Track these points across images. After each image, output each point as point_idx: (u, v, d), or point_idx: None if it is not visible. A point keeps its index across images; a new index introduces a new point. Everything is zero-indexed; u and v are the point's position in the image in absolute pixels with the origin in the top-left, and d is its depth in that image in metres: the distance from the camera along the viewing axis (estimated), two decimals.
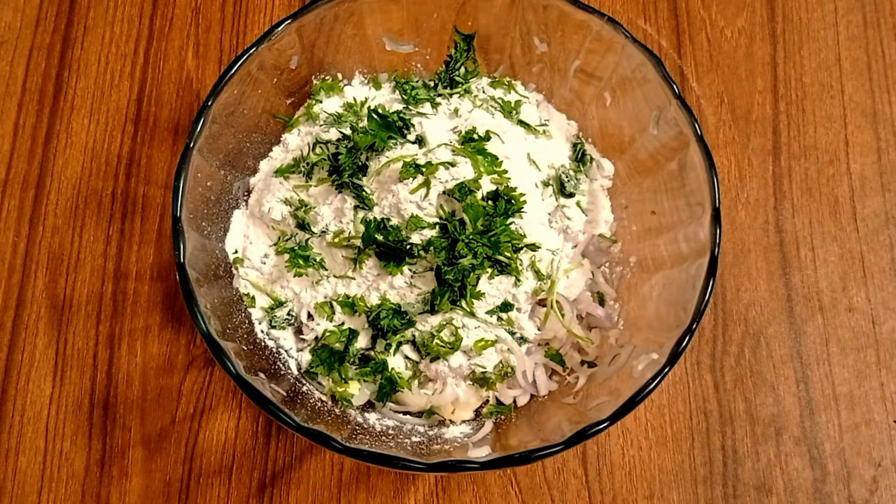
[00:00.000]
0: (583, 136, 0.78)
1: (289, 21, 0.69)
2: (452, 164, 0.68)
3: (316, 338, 0.70)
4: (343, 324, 0.69)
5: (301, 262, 0.70)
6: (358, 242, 0.68)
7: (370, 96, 0.78)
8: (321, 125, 0.76)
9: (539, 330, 0.70)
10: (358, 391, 0.69)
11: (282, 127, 0.77)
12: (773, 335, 0.78)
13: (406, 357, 0.69)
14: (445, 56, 0.77)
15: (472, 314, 0.68)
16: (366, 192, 0.69)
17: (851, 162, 0.84)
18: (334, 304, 0.69)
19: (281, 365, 0.70)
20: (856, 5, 0.90)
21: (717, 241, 0.63)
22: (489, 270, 0.67)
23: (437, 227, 0.67)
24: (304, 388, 0.69)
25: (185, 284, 0.61)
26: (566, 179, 0.74)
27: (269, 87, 0.73)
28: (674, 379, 0.76)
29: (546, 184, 0.74)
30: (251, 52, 0.68)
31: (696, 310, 0.61)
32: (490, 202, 0.68)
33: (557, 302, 0.70)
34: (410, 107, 0.75)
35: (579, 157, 0.76)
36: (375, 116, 0.70)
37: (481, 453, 0.63)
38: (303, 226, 0.71)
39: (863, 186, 0.84)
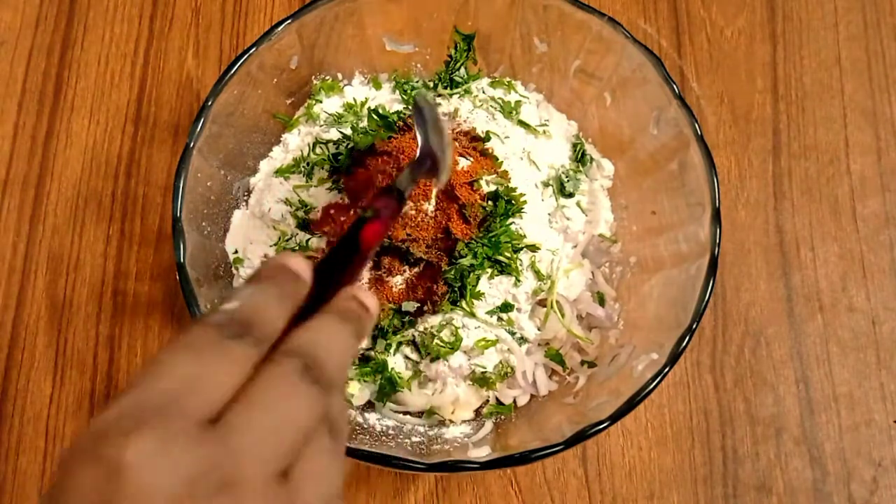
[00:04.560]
0: (583, 136, 0.78)
1: (289, 21, 0.69)
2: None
3: None
4: None
5: None
6: None
7: (370, 96, 0.78)
8: (321, 125, 0.76)
9: (539, 330, 0.70)
10: (358, 391, 0.69)
11: (282, 127, 0.77)
12: (773, 335, 0.78)
13: (406, 357, 0.69)
14: (445, 56, 0.77)
15: (473, 314, 0.68)
16: None
17: (851, 162, 0.85)
18: None
19: None
20: (856, 5, 0.90)
21: (717, 241, 0.63)
22: (489, 271, 0.67)
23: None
24: None
25: (185, 284, 0.61)
26: (566, 179, 0.74)
27: (269, 87, 0.73)
28: (674, 379, 0.76)
29: (546, 184, 0.74)
30: (251, 52, 0.68)
31: (696, 310, 0.61)
32: (490, 202, 0.68)
33: (557, 302, 0.70)
34: (410, 107, 0.75)
35: (579, 157, 0.76)
36: (375, 116, 0.70)
37: (481, 453, 0.63)
38: (303, 226, 0.71)
39: (863, 186, 0.84)
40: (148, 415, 0.30)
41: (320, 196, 0.71)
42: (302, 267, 0.38)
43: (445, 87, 0.76)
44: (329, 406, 0.34)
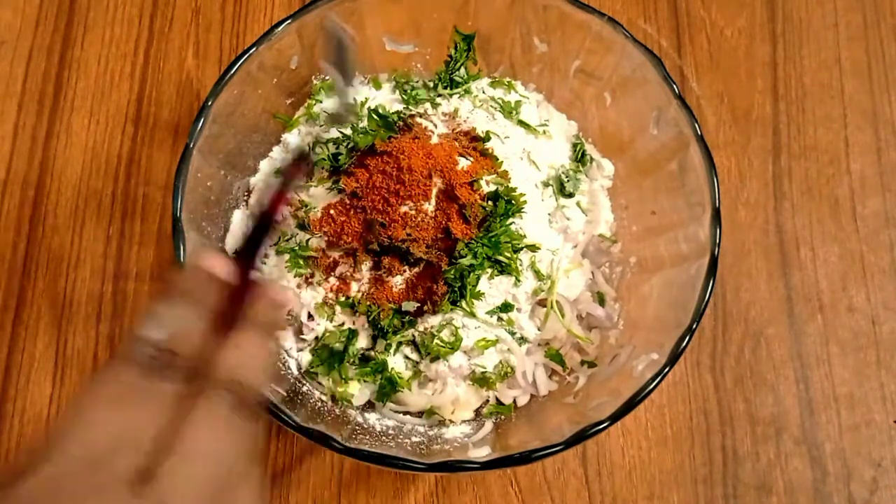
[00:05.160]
0: (583, 136, 0.78)
1: (289, 21, 0.69)
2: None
3: (316, 338, 0.70)
4: (343, 324, 0.69)
5: (301, 262, 0.70)
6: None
7: (370, 96, 0.78)
8: (321, 125, 0.76)
9: (539, 330, 0.70)
10: (358, 391, 0.69)
11: (282, 127, 0.77)
12: (773, 335, 0.78)
13: (406, 357, 0.69)
14: (445, 56, 0.77)
15: (473, 314, 0.68)
16: None
17: (851, 162, 0.85)
18: (334, 304, 0.69)
19: (281, 365, 0.70)
20: (856, 5, 0.91)
21: (717, 241, 0.63)
22: (489, 271, 0.67)
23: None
24: (304, 388, 0.69)
25: None
26: (566, 179, 0.74)
27: (269, 87, 0.73)
28: (674, 379, 0.76)
29: (546, 184, 0.74)
30: (251, 52, 0.68)
31: (696, 310, 0.61)
32: (490, 202, 0.68)
33: (557, 302, 0.70)
34: (410, 107, 0.75)
35: (579, 157, 0.76)
36: (375, 116, 0.70)
37: (481, 453, 0.63)
38: (303, 226, 0.71)
39: (863, 186, 0.84)
40: (76, 483, 0.28)
41: (320, 196, 0.71)
42: (218, 265, 0.37)
43: (445, 87, 0.77)
44: (256, 432, 0.35)
